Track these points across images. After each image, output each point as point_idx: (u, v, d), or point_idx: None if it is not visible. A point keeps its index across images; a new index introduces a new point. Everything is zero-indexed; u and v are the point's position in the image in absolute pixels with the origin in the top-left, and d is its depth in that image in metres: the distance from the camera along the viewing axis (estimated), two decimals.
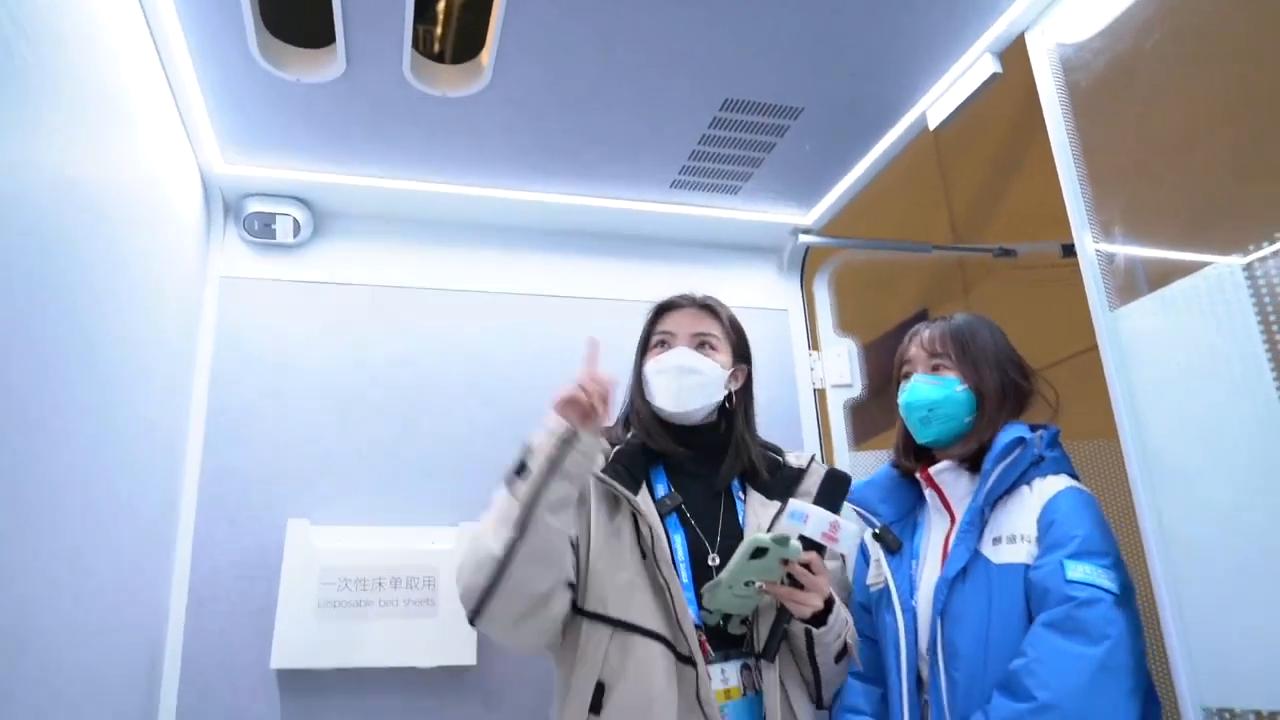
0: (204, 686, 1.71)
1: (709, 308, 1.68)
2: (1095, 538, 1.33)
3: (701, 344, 1.62)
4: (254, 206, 1.95)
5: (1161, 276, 1.28)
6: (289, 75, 1.57)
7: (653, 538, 1.46)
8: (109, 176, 1.26)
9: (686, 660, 1.41)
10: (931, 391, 1.52)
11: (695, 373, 1.58)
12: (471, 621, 1.40)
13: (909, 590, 1.48)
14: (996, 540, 1.40)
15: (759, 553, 1.38)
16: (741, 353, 1.68)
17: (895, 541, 1.52)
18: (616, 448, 1.57)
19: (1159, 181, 1.38)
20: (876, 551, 1.56)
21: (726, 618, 1.48)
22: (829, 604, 1.44)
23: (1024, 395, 1.54)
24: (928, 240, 2.45)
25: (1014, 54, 1.58)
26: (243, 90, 1.62)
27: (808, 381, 2.29)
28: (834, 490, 1.47)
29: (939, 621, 1.40)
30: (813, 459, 1.69)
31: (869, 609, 1.58)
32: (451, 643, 1.78)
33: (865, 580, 1.61)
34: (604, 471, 1.53)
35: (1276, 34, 1.24)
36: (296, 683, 1.75)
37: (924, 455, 1.60)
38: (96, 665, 1.28)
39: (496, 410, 2.03)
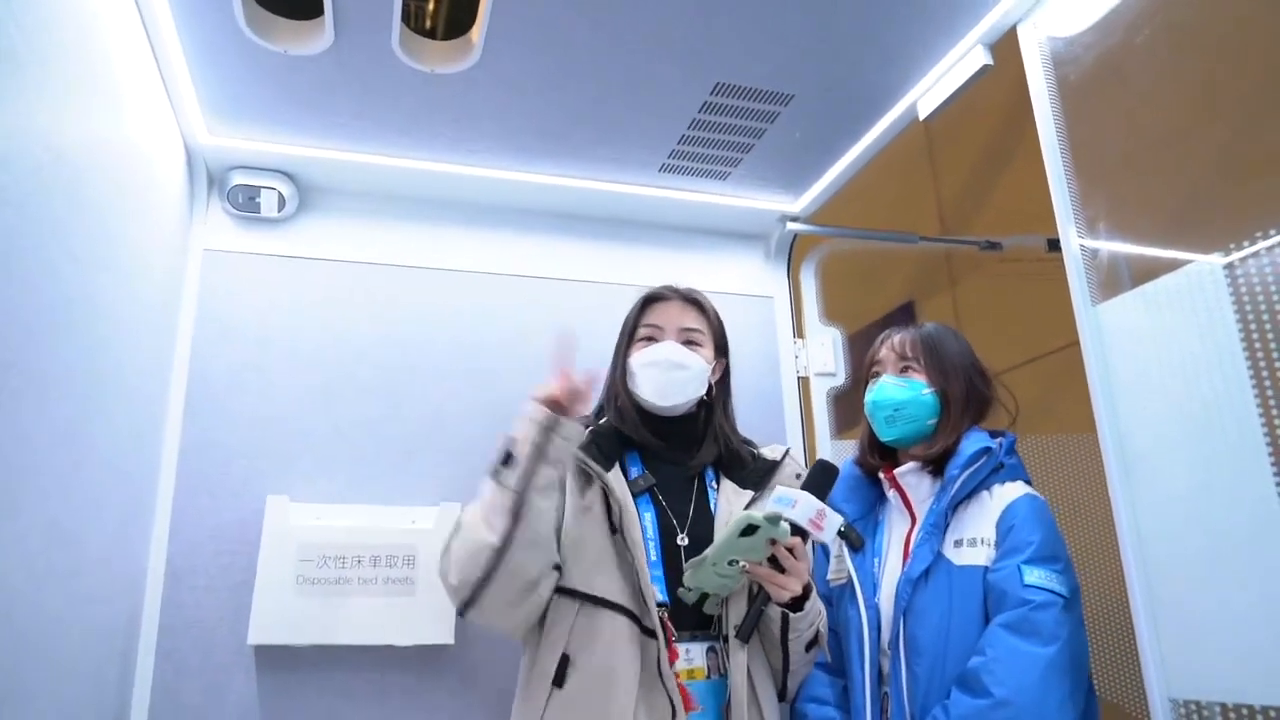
0: (180, 661, 1.71)
1: (696, 302, 1.69)
2: (1049, 544, 1.42)
3: (688, 340, 1.64)
4: (238, 179, 1.93)
5: (1146, 273, 1.29)
6: (275, 47, 1.55)
7: (622, 513, 1.49)
8: (93, 146, 1.25)
9: (650, 634, 1.44)
10: (898, 393, 1.58)
11: (682, 368, 1.60)
12: (462, 613, 1.43)
13: (872, 587, 1.54)
14: (958, 543, 1.48)
15: (748, 531, 1.39)
16: (721, 346, 1.71)
17: (859, 539, 1.55)
18: (591, 429, 1.59)
19: (1144, 178, 1.39)
20: (839, 548, 1.62)
21: (704, 596, 1.49)
22: (807, 590, 1.47)
23: (985, 402, 1.62)
24: (916, 233, 2.45)
25: (1006, 46, 1.58)
26: (228, 61, 1.60)
27: (792, 369, 2.30)
28: (824, 480, 1.47)
29: (902, 619, 1.46)
30: (786, 452, 1.70)
31: (831, 603, 1.63)
32: (430, 622, 1.79)
33: (825, 575, 1.66)
34: (579, 449, 1.54)
35: (1263, 34, 1.25)
36: (273, 659, 1.75)
37: (887, 455, 1.66)
38: (72, 638, 1.27)
39: (479, 390, 2.03)
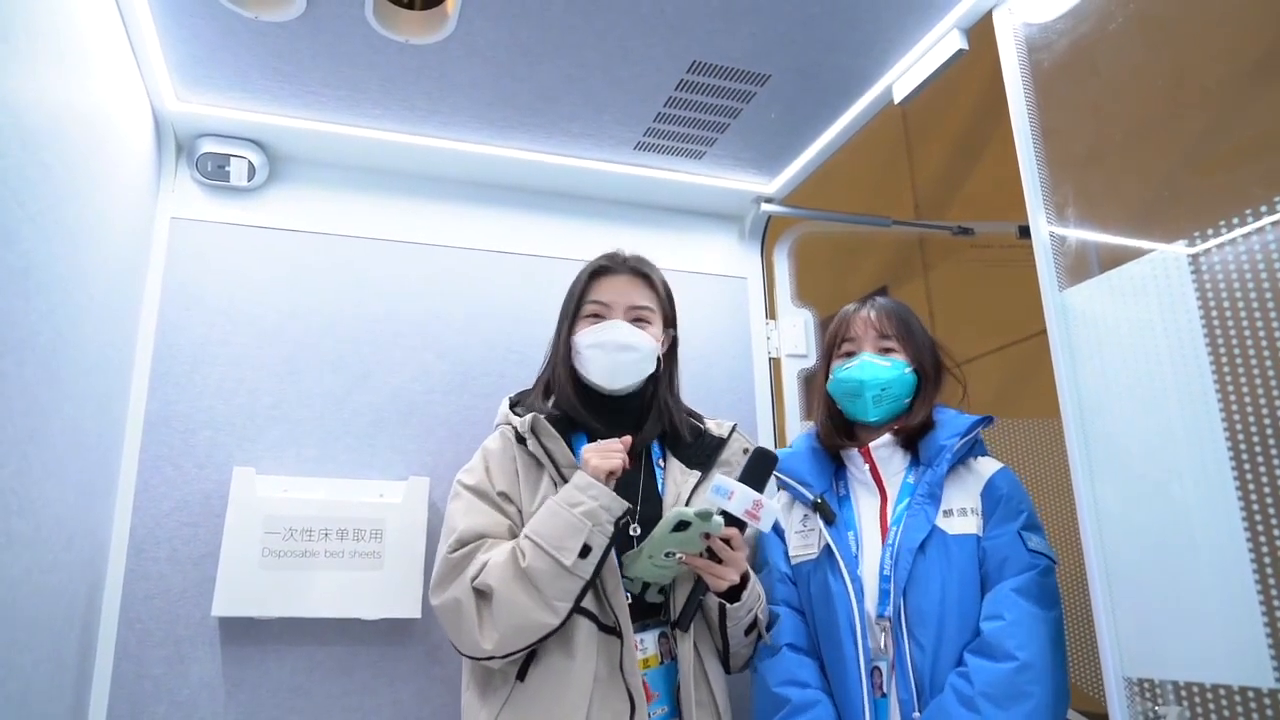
0: (143, 632, 1.69)
1: (644, 275, 1.66)
2: (1035, 513, 1.48)
3: (637, 319, 1.61)
4: (207, 147, 1.90)
5: (1113, 260, 1.31)
6: (246, 12, 1.53)
7: None
8: (56, 110, 1.22)
9: (610, 630, 1.44)
10: (884, 372, 1.58)
11: (632, 349, 1.58)
12: (481, 659, 1.40)
13: (854, 563, 1.52)
14: (947, 513, 1.49)
15: (681, 526, 1.41)
16: (670, 318, 1.68)
17: (831, 513, 1.57)
18: (533, 414, 1.55)
19: (1113, 166, 1.40)
20: (813, 523, 1.60)
21: (645, 586, 1.51)
22: (745, 578, 1.49)
23: (942, 377, 1.64)
24: (891, 218, 2.46)
25: (983, 32, 1.58)
26: (198, 26, 1.57)
27: (763, 350, 2.31)
28: (761, 469, 1.47)
29: (902, 590, 1.46)
30: (734, 428, 1.70)
31: (794, 581, 1.62)
32: (396, 595, 1.78)
33: (786, 553, 1.64)
34: (529, 437, 1.53)
35: (1232, 28, 1.26)
36: (238, 631, 1.74)
37: (849, 433, 1.65)
38: (30, 606, 1.26)
39: (449, 364, 2.02)
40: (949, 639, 1.41)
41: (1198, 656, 1.14)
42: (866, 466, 1.59)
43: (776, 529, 1.67)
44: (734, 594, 1.48)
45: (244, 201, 1.98)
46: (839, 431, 1.65)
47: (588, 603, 1.43)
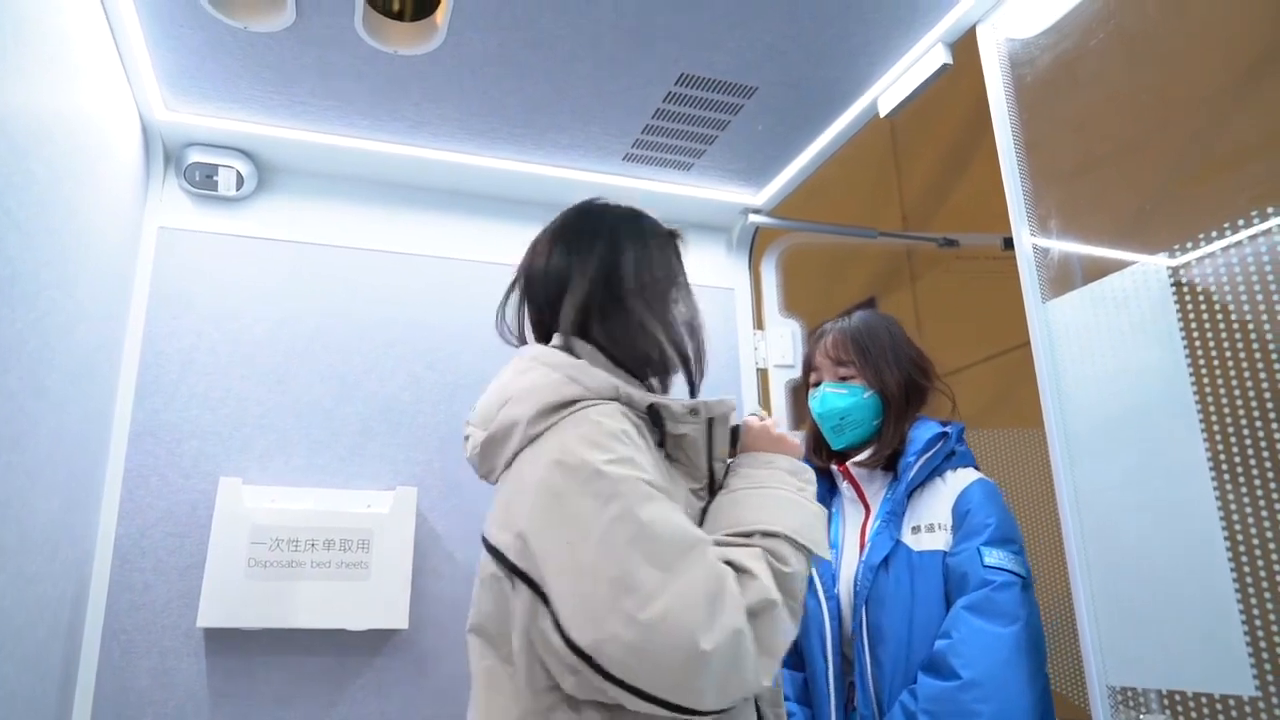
0: (127, 643, 1.68)
1: None
2: (1006, 526, 1.45)
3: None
4: (196, 157, 1.90)
5: (1096, 272, 1.32)
6: (235, 22, 1.53)
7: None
8: (44, 118, 1.22)
9: None
10: (839, 400, 1.59)
11: None
12: (716, 712, 0.93)
13: (831, 579, 1.54)
14: (915, 529, 1.49)
15: None
16: None
17: None
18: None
19: (1096, 179, 1.42)
20: None
21: None
22: None
23: (924, 392, 1.62)
24: (879, 230, 2.48)
25: (968, 47, 1.60)
26: (187, 36, 1.58)
27: (751, 361, 2.32)
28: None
29: (864, 607, 1.46)
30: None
31: None
32: (383, 606, 1.78)
33: None
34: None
35: (1213, 41, 1.28)
36: (223, 642, 1.73)
37: (835, 451, 1.66)
38: (13, 617, 1.25)
39: (436, 374, 2.02)
40: (912, 657, 1.41)
41: (1179, 665, 1.15)
42: (849, 484, 1.61)
43: None
44: None
45: (232, 211, 1.98)
46: (821, 452, 1.68)
47: None
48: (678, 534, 0.94)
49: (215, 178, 1.93)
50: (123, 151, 1.69)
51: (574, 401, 1.05)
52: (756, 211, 2.29)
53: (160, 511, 1.77)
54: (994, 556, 1.40)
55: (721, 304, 2.34)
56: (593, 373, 1.08)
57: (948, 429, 1.54)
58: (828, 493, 1.67)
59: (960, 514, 1.47)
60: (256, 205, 2.01)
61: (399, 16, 1.61)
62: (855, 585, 1.49)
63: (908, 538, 1.48)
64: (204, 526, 1.75)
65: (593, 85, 1.76)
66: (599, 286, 1.19)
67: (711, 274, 2.36)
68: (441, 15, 1.55)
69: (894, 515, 1.50)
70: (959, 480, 1.52)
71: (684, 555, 0.93)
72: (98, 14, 1.46)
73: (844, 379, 1.60)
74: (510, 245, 2.17)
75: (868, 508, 1.58)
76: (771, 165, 2.11)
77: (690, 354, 1.20)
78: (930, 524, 1.48)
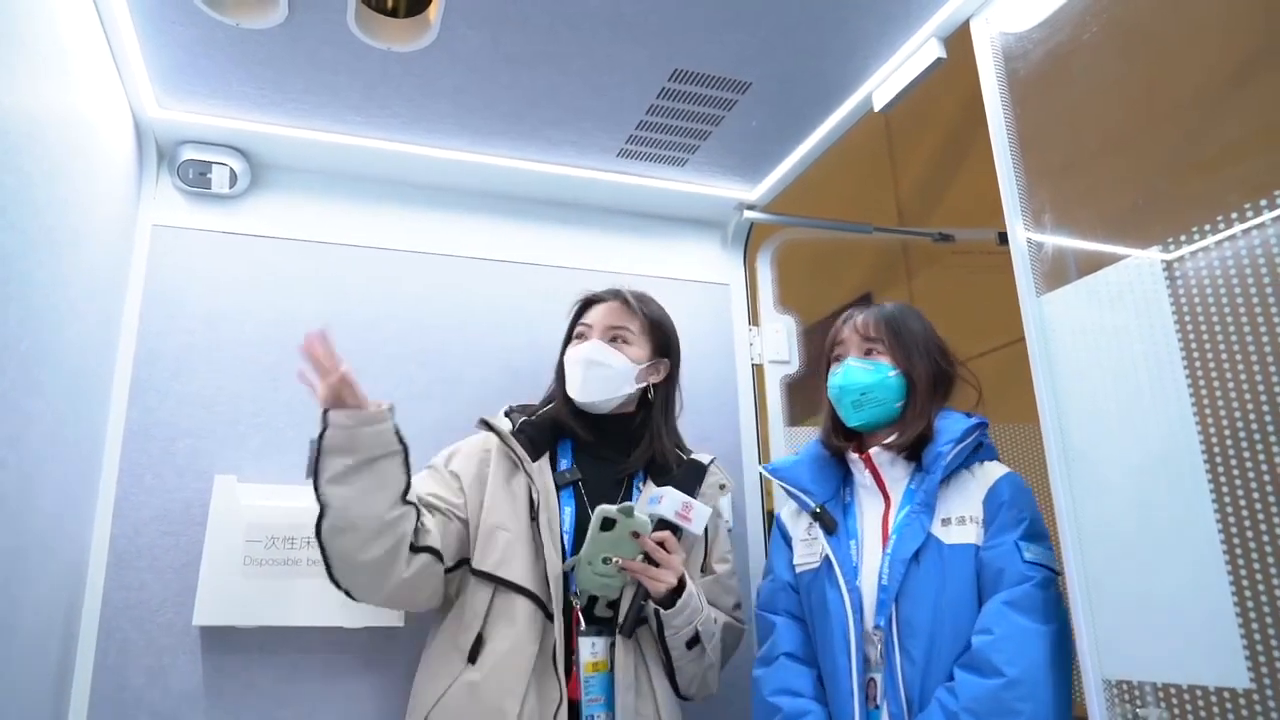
0: (123, 641, 1.68)
1: (627, 302, 1.74)
2: (1040, 522, 1.42)
3: (614, 338, 1.70)
4: (189, 154, 1.90)
5: (1091, 266, 1.32)
6: (228, 19, 1.53)
7: (542, 500, 1.56)
8: (35, 115, 1.21)
9: (551, 618, 1.50)
10: (864, 376, 1.57)
11: (601, 365, 1.66)
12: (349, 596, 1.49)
13: (853, 571, 1.49)
14: (945, 522, 1.45)
15: (607, 525, 1.47)
16: (662, 347, 1.75)
17: (832, 522, 1.54)
18: (523, 418, 1.67)
19: (1090, 173, 1.42)
20: (815, 531, 1.57)
21: (593, 600, 1.54)
22: (681, 584, 1.52)
23: (950, 382, 1.61)
24: (873, 224, 2.48)
25: (962, 41, 1.60)
26: (179, 33, 1.57)
27: (746, 356, 2.31)
28: (692, 475, 1.57)
29: (895, 600, 1.42)
30: (712, 461, 1.77)
31: (796, 590, 1.60)
32: None
33: (790, 561, 1.63)
34: (511, 435, 1.63)
35: (1206, 35, 1.28)
36: (219, 640, 1.73)
37: (852, 436, 1.63)
38: (10, 617, 1.25)
39: (431, 371, 2.02)
40: (941, 652, 1.37)
41: (1174, 658, 1.15)
42: (869, 472, 1.56)
43: (784, 536, 1.66)
44: (670, 601, 1.51)
45: (225, 209, 1.97)
46: (839, 435, 1.64)
47: (537, 588, 1.51)
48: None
49: (208, 175, 1.92)
50: (115, 149, 1.68)
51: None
52: (751, 207, 2.29)
53: (155, 510, 1.76)
54: (1032, 551, 1.37)
55: (716, 300, 2.34)
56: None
57: (981, 420, 1.52)
58: (840, 481, 1.62)
59: (994, 507, 1.43)
60: (250, 203, 2.00)
61: (392, 13, 1.61)
62: (882, 579, 1.45)
63: (937, 530, 1.44)
64: (199, 525, 1.75)
65: (587, 81, 1.75)
66: None
67: (706, 270, 2.36)
68: (434, 11, 1.55)
69: (925, 506, 1.46)
70: (987, 474, 1.48)
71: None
72: (89, 11, 1.45)
73: (870, 354, 1.59)
74: (505, 242, 2.18)
75: (887, 498, 1.54)
76: (766, 160, 2.10)
77: None
78: (961, 516, 1.44)
